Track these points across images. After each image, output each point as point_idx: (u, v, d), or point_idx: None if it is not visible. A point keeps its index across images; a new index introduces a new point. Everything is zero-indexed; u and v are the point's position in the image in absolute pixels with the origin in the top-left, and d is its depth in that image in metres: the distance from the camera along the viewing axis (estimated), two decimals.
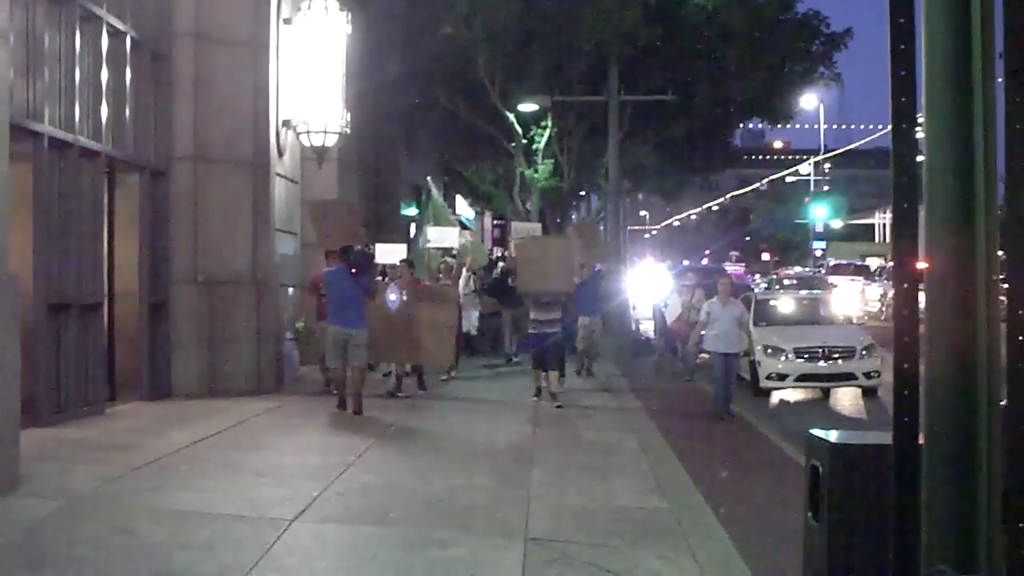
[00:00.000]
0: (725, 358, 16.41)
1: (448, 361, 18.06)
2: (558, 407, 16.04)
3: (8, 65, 9.46)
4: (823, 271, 55.49)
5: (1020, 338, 3.64)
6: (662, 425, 15.15)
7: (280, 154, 17.14)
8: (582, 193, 48.99)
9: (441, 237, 23.76)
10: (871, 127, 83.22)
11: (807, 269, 63.97)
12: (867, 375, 18.25)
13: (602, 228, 36.15)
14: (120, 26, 13.84)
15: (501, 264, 27.15)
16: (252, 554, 7.69)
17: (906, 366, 4.11)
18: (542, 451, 12.50)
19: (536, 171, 34.97)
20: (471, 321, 22.78)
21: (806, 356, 18.47)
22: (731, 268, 62.57)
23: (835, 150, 76.97)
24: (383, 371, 17.94)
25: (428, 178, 20.48)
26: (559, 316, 16.82)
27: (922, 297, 3.97)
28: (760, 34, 31.88)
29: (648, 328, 28.08)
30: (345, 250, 14.82)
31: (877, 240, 73.73)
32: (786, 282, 45.87)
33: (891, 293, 3.99)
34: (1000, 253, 3.86)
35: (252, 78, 16.04)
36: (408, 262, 18.40)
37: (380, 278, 17.76)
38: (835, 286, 42.78)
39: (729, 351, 16.43)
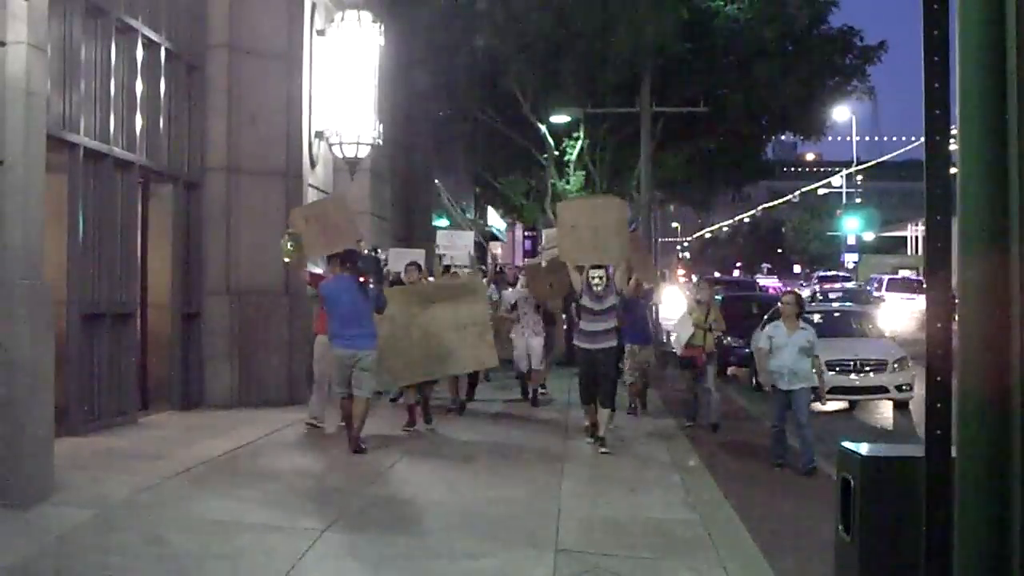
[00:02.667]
0: (792, 398, 12.63)
1: (492, 361, 15.31)
2: (604, 452, 12.93)
3: (45, 76, 9.53)
4: (876, 284, 51.62)
5: None
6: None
7: (313, 165, 17.20)
8: None
9: (453, 243, 20.18)
10: (903, 139, 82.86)
11: (855, 283, 59.05)
12: (899, 388, 18.14)
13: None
14: (155, 38, 13.93)
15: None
16: (283, 563, 7.71)
17: (939, 379, 4.09)
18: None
19: (568, 183, 34.92)
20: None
21: (838, 369, 18.37)
22: (764, 281, 62.02)
23: (867, 162, 76.69)
24: (391, 395, 16.16)
25: (436, 181, 18.17)
26: (613, 327, 13.37)
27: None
28: (792, 48, 31.81)
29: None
30: (348, 255, 12.74)
31: (909, 252, 73.40)
32: (831, 296, 41.99)
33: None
34: None
35: (285, 89, 16.11)
36: (416, 265, 15.68)
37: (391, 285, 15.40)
38: (883, 300, 41.90)
39: (793, 387, 12.54)
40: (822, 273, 64.12)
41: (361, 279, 12.39)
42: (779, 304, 13.60)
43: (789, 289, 19.98)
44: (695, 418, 16.05)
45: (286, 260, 13.80)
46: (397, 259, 17.47)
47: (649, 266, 18.19)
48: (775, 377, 12.65)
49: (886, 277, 52.98)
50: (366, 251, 13.70)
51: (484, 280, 17.36)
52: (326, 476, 10.96)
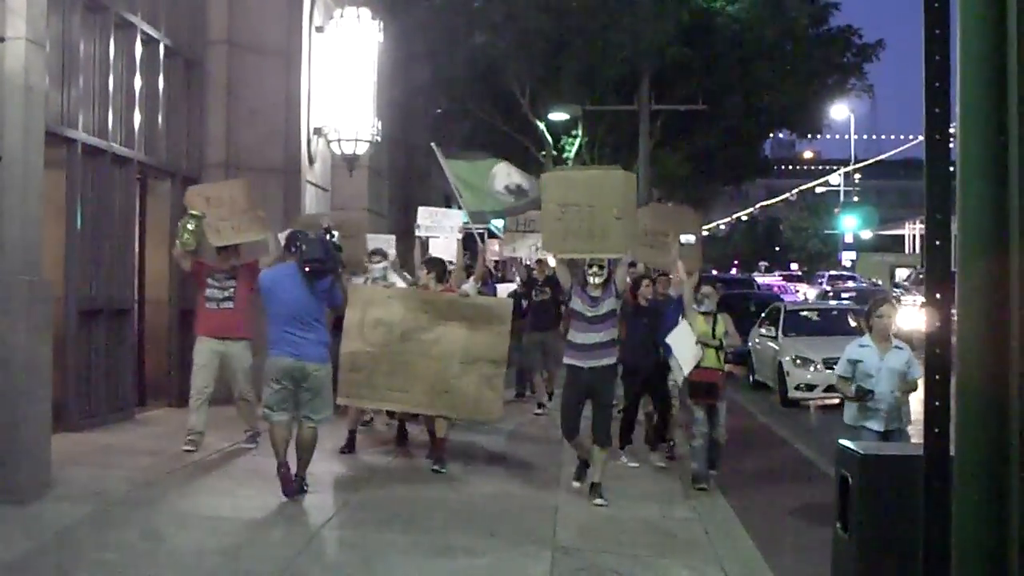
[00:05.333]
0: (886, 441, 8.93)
1: (497, 413, 11.58)
2: (598, 505, 9.92)
3: (44, 72, 9.52)
4: (907, 283, 48.16)
5: None
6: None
7: (311, 162, 17.19)
8: None
9: (437, 223, 14.69)
10: (901, 137, 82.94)
11: (868, 280, 54.19)
12: None
13: None
14: (154, 33, 13.92)
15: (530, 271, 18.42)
16: (280, 559, 7.71)
17: (937, 377, 4.09)
18: None
19: None
20: None
21: (835, 367, 18.36)
22: (762, 279, 61.59)
23: (865, 160, 76.76)
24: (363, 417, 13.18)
25: (433, 144, 14.75)
26: (612, 339, 10.32)
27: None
28: (791, 47, 31.85)
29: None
30: (293, 238, 10.01)
31: (907, 251, 73.46)
32: (844, 295, 38.42)
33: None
34: None
35: (284, 86, 16.10)
36: (436, 263, 12.25)
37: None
38: (899, 301, 41.22)
39: (891, 428, 9.07)
40: (831, 273, 63.19)
41: (307, 268, 9.49)
42: (870, 316, 9.55)
43: (882, 296, 12.11)
44: (708, 478, 11.11)
45: (179, 244, 11.52)
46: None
47: (697, 256, 12.49)
48: (867, 415, 9.09)
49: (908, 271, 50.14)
50: (327, 232, 10.59)
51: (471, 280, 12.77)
52: (323, 472, 10.92)
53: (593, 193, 10.29)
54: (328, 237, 10.16)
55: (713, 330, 11.31)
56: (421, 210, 14.76)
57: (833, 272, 66.82)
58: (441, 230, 14.69)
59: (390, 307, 11.37)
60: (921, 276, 46.35)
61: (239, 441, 11.95)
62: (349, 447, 11.92)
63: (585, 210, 10.21)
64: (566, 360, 10.48)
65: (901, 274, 55.16)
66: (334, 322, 11.12)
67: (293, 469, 9.56)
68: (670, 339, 11.22)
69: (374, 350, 11.23)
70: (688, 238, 11.64)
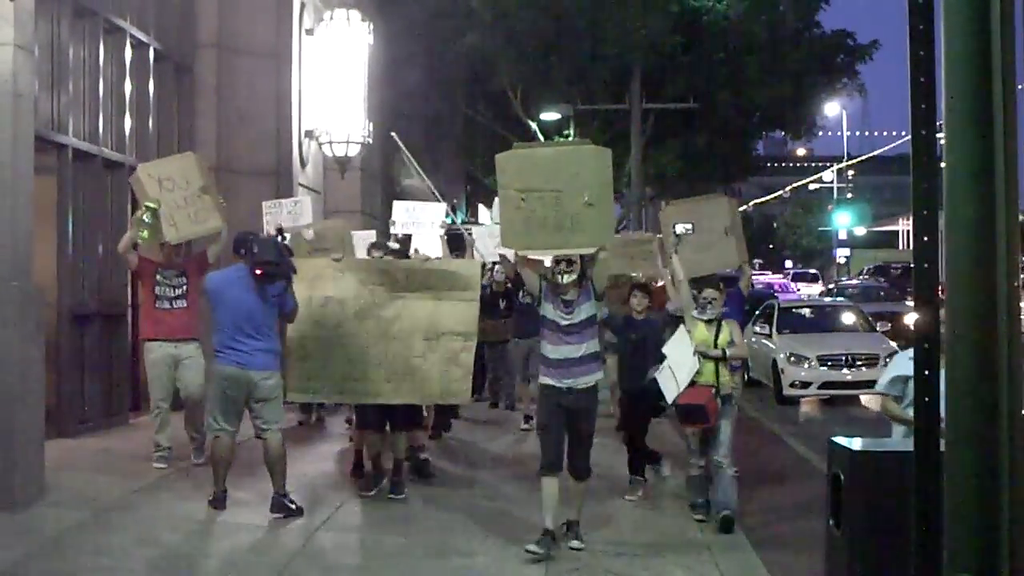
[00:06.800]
0: None
1: (465, 395, 10.04)
2: (573, 548, 8.43)
3: (33, 77, 9.51)
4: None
5: None
6: None
7: (303, 164, 17.19)
8: None
9: (415, 217, 12.82)
10: (894, 134, 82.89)
11: (866, 278, 48.15)
12: None
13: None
14: (143, 38, 13.90)
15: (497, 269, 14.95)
16: (276, 563, 7.71)
17: (927, 373, 4.10)
18: None
19: None
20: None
21: (829, 364, 18.44)
22: (763, 278, 61.13)
23: (858, 157, 76.76)
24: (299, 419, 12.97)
25: (392, 133, 13.43)
26: (595, 352, 8.67)
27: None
28: (783, 45, 31.89)
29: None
30: (241, 240, 9.48)
31: (900, 247, 73.47)
32: (848, 292, 35.92)
33: None
34: (1022, 258, 3.85)
35: (274, 89, 16.10)
36: (379, 246, 11.76)
37: None
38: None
39: None
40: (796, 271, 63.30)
41: (258, 272, 8.83)
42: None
43: None
44: (708, 508, 9.61)
45: (132, 239, 10.56)
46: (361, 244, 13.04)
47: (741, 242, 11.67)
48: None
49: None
50: (279, 233, 9.81)
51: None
52: (318, 475, 10.93)
53: (559, 175, 8.39)
54: (280, 239, 9.43)
55: (715, 339, 9.45)
56: (397, 204, 13.13)
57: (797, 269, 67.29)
58: (420, 225, 12.69)
59: (341, 282, 9.76)
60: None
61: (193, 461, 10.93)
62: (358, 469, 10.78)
63: (550, 196, 8.31)
64: (540, 379, 8.75)
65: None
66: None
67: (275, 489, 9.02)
68: (666, 349, 9.71)
69: (326, 333, 9.64)
70: (685, 227, 10.14)
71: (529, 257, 8.78)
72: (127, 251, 10.66)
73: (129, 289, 13.64)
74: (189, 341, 10.87)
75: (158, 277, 10.73)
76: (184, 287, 10.77)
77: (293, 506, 9.05)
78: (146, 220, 10.13)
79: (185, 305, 10.77)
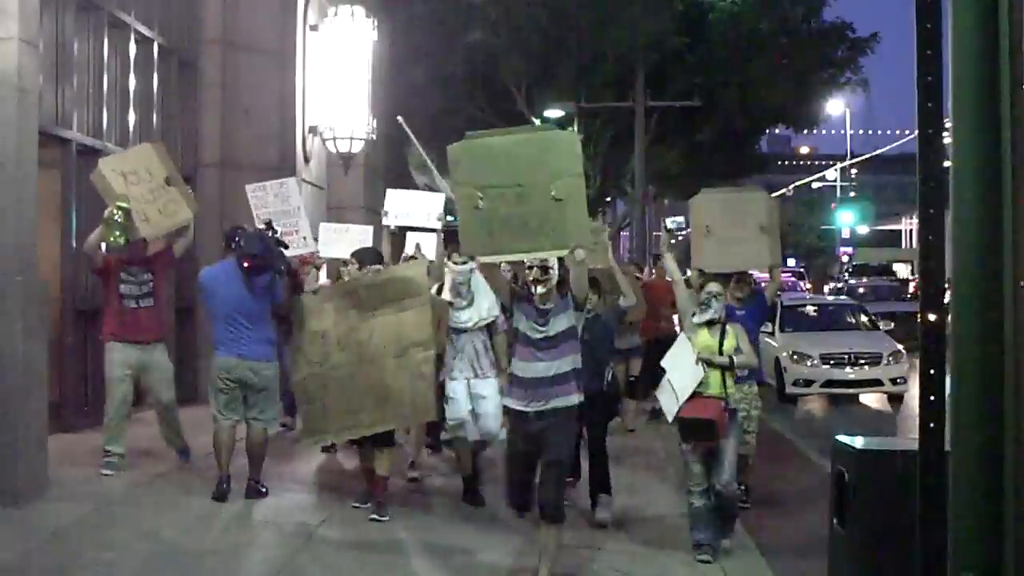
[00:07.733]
0: None
1: (431, 412, 9.11)
2: None
3: (37, 73, 9.51)
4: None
5: None
6: None
7: (306, 160, 17.16)
8: (608, 199, 48.97)
9: (409, 208, 11.69)
10: (898, 132, 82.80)
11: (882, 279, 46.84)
12: (893, 381, 18.24)
13: (627, 235, 36.09)
14: (148, 33, 13.90)
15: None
16: (278, 559, 7.72)
17: (932, 372, 4.09)
18: None
19: None
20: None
21: (832, 362, 18.45)
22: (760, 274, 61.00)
23: (861, 155, 76.71)
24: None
25: (399, 118, 11.16)
26: (571, 370, 7.47)
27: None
28: (786, 41, 31.87)
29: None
30: (233, 234, 9.78)
31: (904, 246, 73.45)
32: (862, 291, 36.45)
33: None
34: None
35: (278, 84, 16.08)
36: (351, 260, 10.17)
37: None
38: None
39: None
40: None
41: (245, 264, 8.97)
42: None
43: None
44: (715, 546, 8.38)
45: (110, 240, 9.80)
46: (334, 243, 12.04)
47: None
48: None
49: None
50: (268, 227, 9.57)
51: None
52: (321, 472, 10.93)
53: (520, 167, 7.21)
54: (270, 233, 9.32)
55: (721, 344, 8.40)
56: (390, 193, 11.91)
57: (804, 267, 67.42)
58: (417, 218, 11.44)
59: (322, 314, 9.16)
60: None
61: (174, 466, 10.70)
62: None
63: (511, 192, 7.17)
64: (504, 402, 7.94)
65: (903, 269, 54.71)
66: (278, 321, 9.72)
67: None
68: (665, 362, 8.59)
69: (319, 370, 9.06)
70: (677, 221, 9.44)
71: (485, 263, 7.87)
72: (94, 250, 10.04)
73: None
74: (156, 344, 10.36)
75: (123, 275, 10.10)
76: (151, 284, 10.22)
77: (264, 490, 9.44)
78: (118, 220, 9.61)
79: (152, 304, 10.23)
